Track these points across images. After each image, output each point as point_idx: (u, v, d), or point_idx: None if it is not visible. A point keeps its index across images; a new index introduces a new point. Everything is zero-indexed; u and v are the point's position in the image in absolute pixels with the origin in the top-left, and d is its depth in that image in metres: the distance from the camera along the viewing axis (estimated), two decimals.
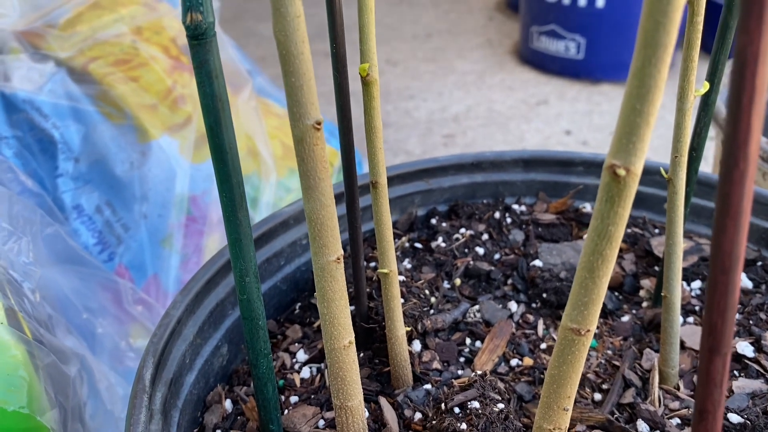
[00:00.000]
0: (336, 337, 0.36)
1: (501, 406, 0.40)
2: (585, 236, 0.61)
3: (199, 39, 0.32)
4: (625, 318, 0.54)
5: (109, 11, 0.95)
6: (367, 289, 0.53)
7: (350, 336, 0.36)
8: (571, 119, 1.80)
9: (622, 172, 0.25)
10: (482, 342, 0.52)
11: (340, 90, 0.41)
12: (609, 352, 0.51)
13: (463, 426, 0.38)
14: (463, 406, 0.40)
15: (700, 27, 0.40)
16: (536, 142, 1.70)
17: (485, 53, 2.30)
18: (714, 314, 0.25)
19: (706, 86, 0.44)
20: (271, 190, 0.89)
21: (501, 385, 0.47)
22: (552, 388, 0.32)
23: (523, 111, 1.87)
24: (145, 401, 0.39)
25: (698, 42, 0.40)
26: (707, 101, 0.46)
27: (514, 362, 0.50)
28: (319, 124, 0.31)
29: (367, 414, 0.44)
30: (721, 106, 0.74)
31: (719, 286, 0.25)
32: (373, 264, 0.57)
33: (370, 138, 0.41)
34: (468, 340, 0.52)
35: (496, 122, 1.81)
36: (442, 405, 0.41)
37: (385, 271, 0.44)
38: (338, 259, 0.34)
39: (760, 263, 0.56)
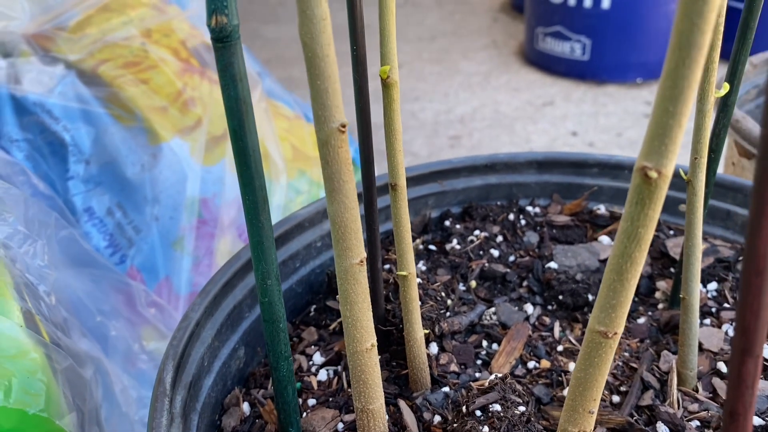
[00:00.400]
0: (358, 340, 0.36)
1: (522, 408, 0.40)
2: (599, 238, 0.61)
3: (224, 42, 0.32)
4: (642, 320, 0.54)
5: (118, 14, 0.95)
6: (384, 292, 0.53)
7: (372, 339, 0.36)
8: (577, 120, 1.80)
9: (653, 174, 0.25)
10: (499, 344, 0.52)
11: (360, 92, 0.41)
12: (626, 354, 0.51)
13: (486, 429, 0.38)
14: (484, 408, 0.40)
15: (722, 28, 0.40)
16: (542, 144, 1.70)
17: (490, 54, 2.30)
18: (747, 315, 0.25)
19: (726, 88, 0.44)
20: (282, 192, 0.89)
21: (519, 387, 0.47)
22: (578, 390, 0.32)
23: (529, 112, 1.87)
24: (166, 405, 0.39)
25: (719, 43, 0.40)
26: (726, 102, 0.45)
27: (531, 365, 0.50)
28: (343, 126, 0.31)
29: (386, 417, 0.44)
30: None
31: (752, 288, 0.25)
32: (387, 266, 0.57)
33: (390, 140, 0.41)
34: (485, 343, 0.52)
35: (502, 123, 1.81)
36: (464, 408, 0.40)
37: (404, 273, 0.44)
38: (361, 261, 0.34)
39: None
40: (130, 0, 0.97)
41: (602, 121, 1.79)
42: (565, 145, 1.69)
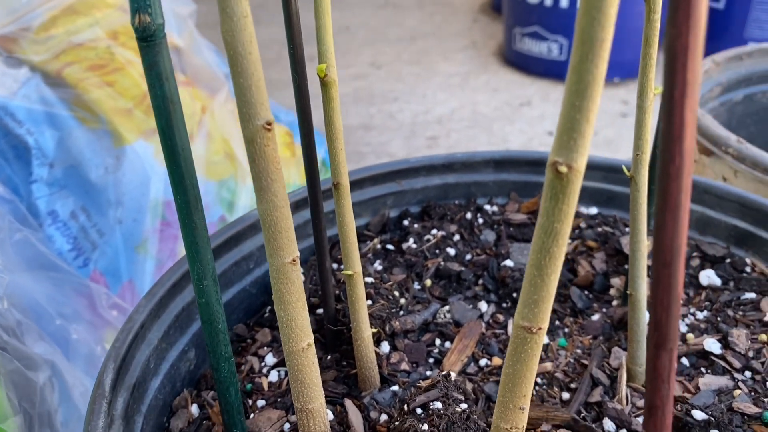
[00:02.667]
0: (294, 340, 0.36)
1: (464, 406, 0.40)
2: None
3: (148, 41, 0.31)
4: (596, 317, 0.54)
5: (84, 15, 0.94)
6: (337, 291, 0.53)
7: (309, 338, 0.36)
8: (555, 120, 1.81)
9: (564, 169, 0.25)
10: (452, 342, 0.52)
11: (300, 91, 0.41)
12: (578, 351, 0.51)
13: (425, 426, 0.38)
14: (425, 406, 0.40)
15: (658, 24, 0.40)
16: (519, 144, 1.70)
17: (470, 55, 2.31)
18: (659, 309, 0.25)
19: None
20: (248, 193, 0.89)
21: (469, 385, 0.47)
22: (507, 387, 0.32)
23: (506, 112, 1.88)
24: (104, 407, 0.38)
25: (656, 39, 0.40)
26: None
27: (483, 362, 0.50)
28: (269, 124, 0.31)
29: (332, 416, 0.44)
30: None
31: (662, 281, 0.25)
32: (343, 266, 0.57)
33: (331, 139, 0.41)
34: (438, 341, 0.52)
35: (480, 124, 1.82)
36: (405, 406, 0.40)
37: (350, 272, 0.43)
38: (293, 261, 0.34)
39: (728, 260, 0.56)
40: (96, 1, 0.96)
41: None
42: (541, 144, 1.69)
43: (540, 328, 0.30)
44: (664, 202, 0.23)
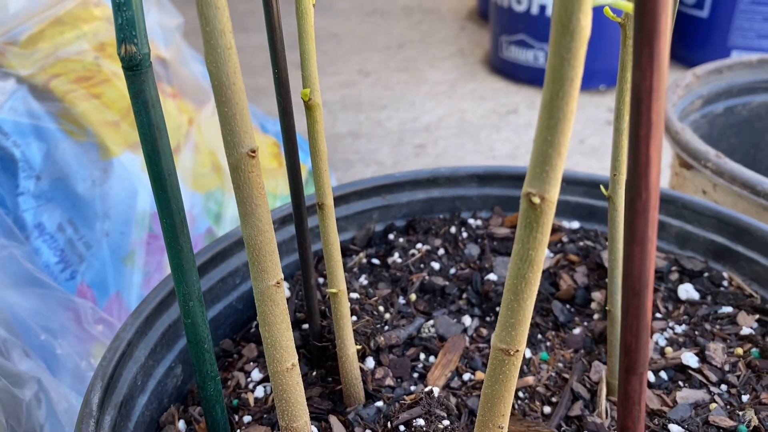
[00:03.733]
0: (279, 360, 0.36)
1: (446, 422, 0.41)
2: None
3: (134, 70, 0.32)
4: (577, 330, 0.55)
5: (71, 27, 0.95)
6: (322, 307, 0.54)
7: (293, 358, 0.37)
8: None
9: (537, 200, 0.26)
10: (436, 357, 0.53)
11: (285, 113, 0.41)
12: (560, 364, 0.52)
13: None
14: (408, 423, 0.41)
15: (630, 49, 0.41)
16: (506, 152, 1.72)
17: (457, 63, 2.32)
18: (628, 336, 0.26)
19: None
20: (235, 205, 0.89)
21: (452, 400, 0.48)
22: (486, 406, 0.33)
23: (493, 120, 1.89)
24: (91, 426, 0.39)
25: (630, 65, 0.41)
26: None
27: (466, 376, 0.51)
28: (253, 152, 0.32)
29: None
30: (671, 119, 0.76)
31: (631, 309, 0.26)
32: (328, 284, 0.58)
33: (315, 161, 0.41)
34: (422, 356, 0.53)
35: (467, 132, 1.83)
36: (389, 423, 0.41)
37: (334, 290, 0.44)
38: (278, 283, 0.35)
39: (706, 275, 0.57)
40: (84, 14, 0.96)
41: None
42: (528, 152, 1.71)
43: (517, 350, 0.31)
44: (632, 235, 0.24)
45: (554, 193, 0.26)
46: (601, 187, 0.44)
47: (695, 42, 2.06)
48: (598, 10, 1.95)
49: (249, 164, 0.32)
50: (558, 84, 0.24)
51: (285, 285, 0.58)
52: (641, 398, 0.28)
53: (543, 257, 0.28)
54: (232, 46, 0.30)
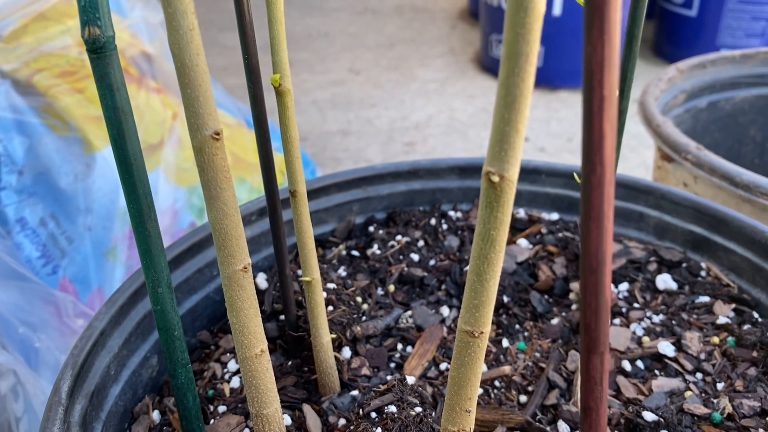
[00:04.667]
0: (247, 346, 0.36)
1: (418, 409, 0.41)
2: (518, 241, 0.62)
3: (98, 53, 0.32)
4: (555, 321, 0.55)
5: (55, 22, 0.94)
6: (299, 298, 0.54)
7: (262, 344, 0.37)
8: (529, 126, 1.83)
9: (496, 178, 0.26)
10: (414, 347, 0.52)
11: (255, 100, 0.41)
12: (537, 354, 0.52)
13: (378, 430, 0.39)
14: (380, 410, 0.40)
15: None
16: None
17: (447, 61, 2.32)
18: (588, 314, 0.26)
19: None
20: None
21: (429, 389, 0.48)
22: (453, 390, 0.33)
23: (483, 119, 1.89)
24: (60, 414, 0.38)
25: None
26: (619, 108, 0.47)
27: (443, 366, 0.51)
28: (217, 134, 0.31)
29: (290, 421, 0.44)
30: (654, 112, 0.76)
31: (589, 286, 0.26)
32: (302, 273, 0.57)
33: (287, 147, 0.41)
34: (400, 346, 0.53)
35: (456, 130, 1.83)
36: (360, 410, 0.41)
37: (308, 279, 0.44)
38: (245, 268, 0.35)
39: (684, 265, 0.57)
40: (67, 9, 0.96)
41: (554, 127, 1.82)
42: None
43: (482, 332, 0.31)
44: (587, 212, 0.24)
45: (513, 172, 0.26)
46: (575, 174, 0.44)
47: (684, 40, 2.07)
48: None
49: (213, 147, 0.32)
50: (514, 60, 0.24)
51: (263, 277, 0.58)
52: (603, 377, 0.27)
53: (505, 237, 0.28)
54: (195, 26, 0.30)
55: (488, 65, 2.17)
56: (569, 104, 1.95)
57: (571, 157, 1.66)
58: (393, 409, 0.40)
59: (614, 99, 0.23)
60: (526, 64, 0.24)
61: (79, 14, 0.31)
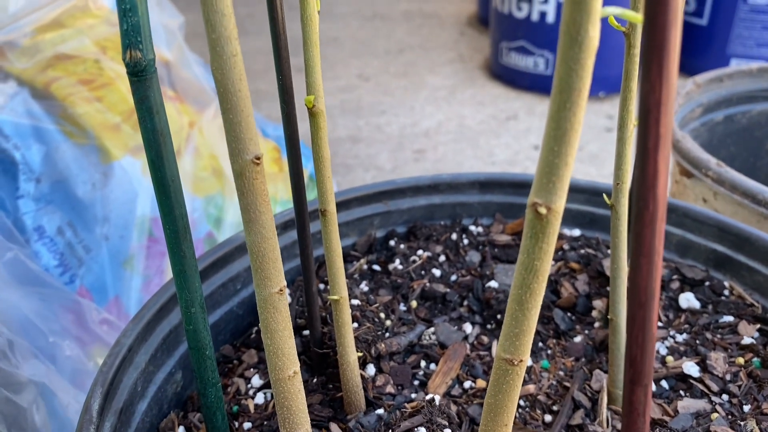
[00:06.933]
0: (281, 368, 0.36)
1: (448, 431, 0.41)
2: None
3: (139, 76, 0.32)
4: (578, 338, 0.55)
5: (72, 29, 0.95)
6: (323, 314, 0.54)
7: (295, 366, 0.37)
8: (540, 134, 1.83)
9: (543, 210, 0.26)
10: (437, 364, 0.52)
11: (288, 120, 0.41)
12: (561, 373, 0.52)
13: None
14: None
15: (637, 59, 0.41)
16: (505, 158, 1.72)
17: (456, 68, 2.32)
18: (633, 347, 0.26)
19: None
20: (236, 209, 0.89)
21: (453, 408, 0.48)
22: (489, 416, 0.33)
23: (492, 126, 1.89)
24: None
25: (635, 73, 0.41)
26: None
27: (467, 384, 0.51)
28: (258, 159, 0.32)
29: None
30: (676, 131, 0.76)
31: (637, 320, 0.26)
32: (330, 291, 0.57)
33: (319, 168, 0.41)
34: (423, 363, 0.53)
35: (466, 137, 1.83)
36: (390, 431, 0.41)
37: (336, 297, 0.44)
38: (281, 290, 0.35)
39: (707, 283, 0.57)
40: (84, 15, 0.96)
41: None
42: (527, 159, 1.71)
43: (521, 360, 0.31)
44: (638, 247, 0.24)
45: (560, 204, 0.26)
46: (605, 196, 0.44)
47: (694, 49, 2.07)
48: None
49: (253, 171, 0.32)
50: (566, 94, 0.24)
51: (286, 291, 0.58)
52: (646, 409, 0.27)
53: (548, 268, 0.28)
54: (238, 53, 0.30)
55: (498, 72, 2.17)
56: None
57: (582, 166, 1.65)
58: (423, 431, 0.40)
59: (669, 137, 0.23)
60: (579, 98, 0.24)
61: (121, 37, 0.31)
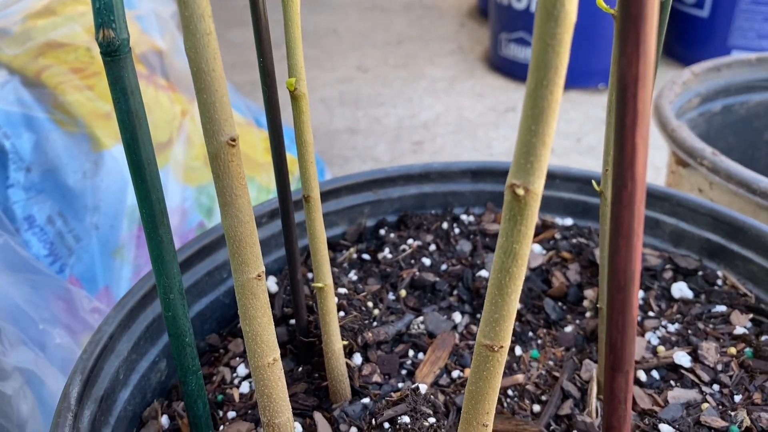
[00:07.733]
0: (260, 355, 0.36)
1: (432, 420, 0.40)
2: (531, 246, 0.61)
3: (113, 56, 0.31)
4: (569, 328, 0.54)
5: (63, 17, 0.94)
6: (310, 302, 0.53)
7: (274, 353, 0.36)
8: None
9: (521, 191, 0.25)
10: (425, 354, 0.52)
11: (270, 103, 0.41)
12: (551, 362, 0.51)
13: None
14: (393, 421, 0.40)
15: None
16: (504, 149, 1.71)
17: (456, 60, 2.31)
18: (613, 332, 0.26)
19: None
20: None
21: (441, 397, 0.47)
22: (471, 404, 0.32)
23: (491, 118, 1.88)
24: (69, 420, 0.38)
25: None
26: None
27: (455, 374, 0.50)
28: (233, 140, 0.31)
29: (301, 429, 0.44)
30: (670, 118, 0.75)
31: (616, 304, 0.25)
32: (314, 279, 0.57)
33: (301, 152, 0.41)
34: (411, 352, 0.52)
35: (465, 129, 1.82)
36: (373, 420, 0.40)
37: (320, 285, 0.43)
38: (259, 276, 0.34)
39: (700, 273, 0.57)
40: (76, 3, 0.95)
41: (563, 127, 1.81)
42: None
43: (501, 346, 0.30)
44: (617, 228, 0.23)
45: (539, 185, 0.25)
46: (593, 182, 0.44)
47: (695, 41, 2.05)
48: (596, 7, 1.94)
49: (229, 153, 0.31)
50: (542, 72, 0.23)
51: (273, 280, 0.57)
52: (627, 397, 0.27)
53: (528, 251, 0.27)
54: (212, 31, 0.29)
55: (497, 64, 2.16)
56: (578, 104, 1.94)
57: (580, 158, 1.64)
58: (406, 419, 0.40)
59: (647, 114, 0.22)
60: (555, 76, 0.23)
61: (93, 16, 0.31)
